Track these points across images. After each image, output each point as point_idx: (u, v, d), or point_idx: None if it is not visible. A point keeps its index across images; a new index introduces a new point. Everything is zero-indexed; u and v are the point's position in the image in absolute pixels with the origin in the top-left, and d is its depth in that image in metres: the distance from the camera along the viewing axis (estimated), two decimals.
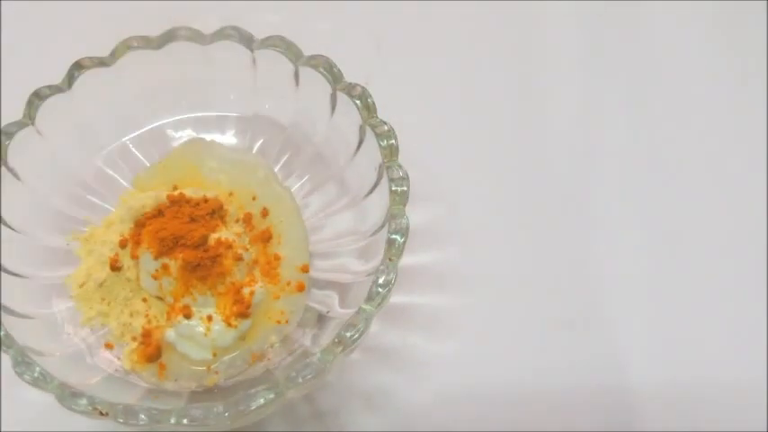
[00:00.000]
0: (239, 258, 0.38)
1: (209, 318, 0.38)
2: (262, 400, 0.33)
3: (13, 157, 0.38)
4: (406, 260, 0.37)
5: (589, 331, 0.44)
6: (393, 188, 0.37)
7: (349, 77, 0.40)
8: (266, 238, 0.40)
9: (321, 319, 0.40)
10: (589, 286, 0.45)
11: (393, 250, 0.36)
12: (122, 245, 0.39)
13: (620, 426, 0.42)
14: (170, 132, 0.44)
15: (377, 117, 0.39)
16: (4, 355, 0.34)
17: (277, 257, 0.40)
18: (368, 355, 0.43)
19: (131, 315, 0.39)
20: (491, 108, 0.50)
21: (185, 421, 0.32)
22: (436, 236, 0.46)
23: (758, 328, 0.44)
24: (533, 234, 0.46)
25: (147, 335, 0.38)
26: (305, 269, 0.40)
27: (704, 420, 0.41)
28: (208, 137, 0.44)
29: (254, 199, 0.41)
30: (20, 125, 0.39)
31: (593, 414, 0.42)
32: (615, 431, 0.41)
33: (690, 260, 0.46)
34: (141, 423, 0.32)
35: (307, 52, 0.41)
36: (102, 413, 0.33)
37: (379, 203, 0.39)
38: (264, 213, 0.41)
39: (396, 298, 0.42)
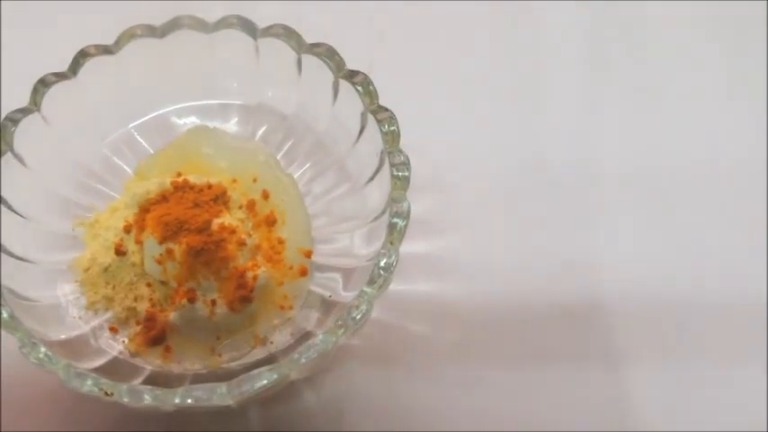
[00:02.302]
0: (242, 243, 0.39)
1: (213, 302, 0.38)
2: (265, 381, 0.33)
3: (18, 143, 0.39)
4: (407, 248, 0.37)
5: (589, 320, 0.44)
6: (395, 173, 0.37)
7: (350, 66, 0.40)
8: (271, 221, 0.41)
9: (324, 303, 0.41)
10: (589, 275, 0.45)
11: (394, 234, 0.36)
12: (127, 230, 0.40)
13: (619, 423, 0.42)
14: (174, 120, 0.45)
15: (378, 104, 0.39)
16: (5, 351, 0.34)
17: (281, 241, 0.40)
18: (369, 342, 0.43)
19: (136, 299, 0.39)
20: (492, 97, 0.50)
21: (189, 401, 0.33)
22: (437, 224, 0.46)
23: (758, 327, 0.44)
24: (534, 222, 0.47)
25: (151, 319, 0.39)
26: (308, 254, 0.41)
27: (704, 420, 0.42)
28: (211, 124, 0.44)
29: (254, 181, 0.42)
30: (25, 112, 0.39)
31: (591, 408, 0.42)
32: (614, 430, 0.42)
33: (689, 252, 0.46)
34: (146, 403, 0.33)
35: (308, 41, 0.41)
36: (107, 393, 0.33)
37: (380, 189, 0.39)
38: (267, 198, 0.41)
39: (396, 286, 0.42)
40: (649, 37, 0.53)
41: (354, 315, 0.34)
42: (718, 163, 0.49)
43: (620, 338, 0.43)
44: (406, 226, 0.36)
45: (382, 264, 0.35)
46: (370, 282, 0.35)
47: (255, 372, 0.33)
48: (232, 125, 0.45)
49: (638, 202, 0.47)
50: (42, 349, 0.34)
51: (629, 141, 0.49)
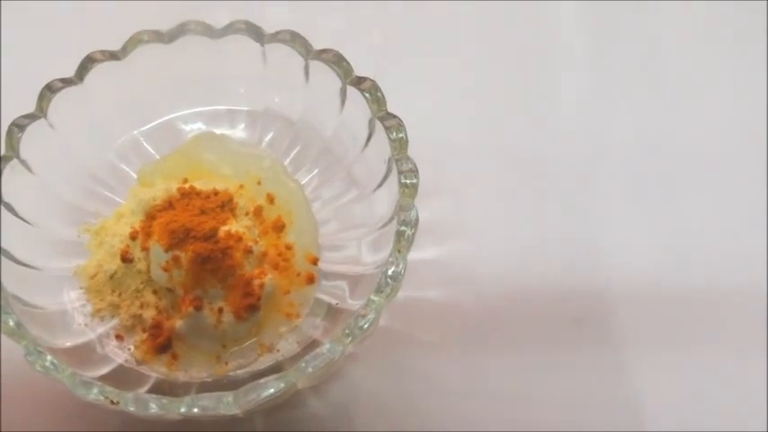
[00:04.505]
0: (249, 251, 0.38)
1: (220, 310, 0.38)
2: (272, 390, 0.33)
3: (25, 149, 0.38)
4: (415, 255, 0.37)
5: (598, 330, 0.44)
6: (403, 180, 0.37)
7: (356, 68, 0.40)
8: (279, 227, 0.40)
9: (331, 311, 0.40)
10: (599, 282, 0.45)
11: (402, 242, 0.36)
12: (133, 237, 0.39)
13: (623, 425, 0.42)
14: (181, 126, 0.45)
15: (386, 110, 0.39)
16: (7, 351, 0.34)
17: (289, 247, 0.40)
18: (375, 349, 0.43)
19: (142, 306, 0.39)
20: (499, 103, 0.50)
21: (195, 410, 0.32)
22: (445, 231, 0.46)
23: (758, 326, 0.44)
24: (542, 228, 0.46)
25: (157, 326, 0.38)
26: (314, 261, 0.40)
27: (704, 420, 0.42)
28: (218, 130, 0.44)
29: (260, 187, 0.41)
30: (32, 118, 0.39)
31: (598, 413, 0.42)
32: (621, 430, 0.41)
33: (694, 258, 0.46)
34: (152, 412, 0.33)
35: (316, 47, 0.41)
36: (112, 402, 0.33)
37: (388, 196, 0.39)
38: (273, 204, 0.41)
39: (404, 293, 0.42)
40: (653, 26, 0.53)
41: (362, 324, 0.34)
42: (719, 152, 0.49)
43: (628, 349, 0.43)
44: (414, 234, 0.36)
45: (390, 272, 0.35)
46: (378, 290, 0.35)
47: (262, 381, 0.33)
48: (239, 131, 0.45)
49: (648, 205, 0.47)
50: (48, 357, 0.33)
51: (636, 141, 0.49)
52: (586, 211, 0.47)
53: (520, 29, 0.53)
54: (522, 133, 0.49)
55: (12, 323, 0.34)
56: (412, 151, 0.38)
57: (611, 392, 0.42)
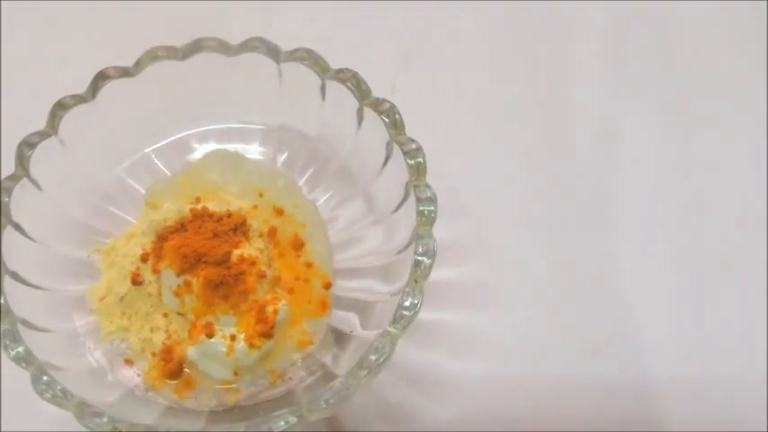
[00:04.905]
0: (262, 275, 0.38)
1: (233, 337, 0.37)
2: (282, 423, 0.32)
3: (35, 167, 0.38)
4: (432, 275, 0.36)
5: (618, 355, 0.43)
6: (420, 208, 0.36)
7: (375, 86, 0.39)
8: (298, 245, 0.40)
9: (341, 337, 0.39)
10: (619, 306, 0.44)
11: (419, 272, 0.35)
12: (144, 259, 0.39)
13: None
14: (194, 143, 0.44)
15: (404, 134, 0.38)
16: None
17: (309, 264, 0.39)
18: (389, 372, 0.42)
19: (152, 330, 0.38)
20: (519, 122, 0.49)
21: None
22: (463, 251, 0.45)
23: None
24: (562, 251, 0.46)
25: (167, 351, 0.38)
26: (328, 285, 0.40)
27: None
28: (231, 148, 0.43)
29: (278, 212, 0.41)
30: (43, 135, 0.38)
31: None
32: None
33: (709, 275, 0.45)
34: None
35: (332, 61, 0.40)
36: None
37: (405, 221, 0.38)
38: (288, 224, 0.40)
39: (420, 314, 0.41)
40: (675, 47, 0.52)
41: (377, 357, 0.33)
42: (743, 173, 0.48)
43: (650, 372, 0.43)
44: (431, 264, 0.35)
45: (407, 303, 0.34)
46: (394, 322, 0.34)
47: (276, 414, 0.33)
48: (253, 149, 0.44)
49: (670, 228, 0.47)
50: (57, 387, 0.33)
51: (658, 165, 0.48)
52: (610, 233, 0.46)
53: (544, 50, 0.52)
54: (543, 153, 0.49)
55: (21, 350, 0.34)
56: (431, 169, 0.37)
57: (633, 418, 0.42)
